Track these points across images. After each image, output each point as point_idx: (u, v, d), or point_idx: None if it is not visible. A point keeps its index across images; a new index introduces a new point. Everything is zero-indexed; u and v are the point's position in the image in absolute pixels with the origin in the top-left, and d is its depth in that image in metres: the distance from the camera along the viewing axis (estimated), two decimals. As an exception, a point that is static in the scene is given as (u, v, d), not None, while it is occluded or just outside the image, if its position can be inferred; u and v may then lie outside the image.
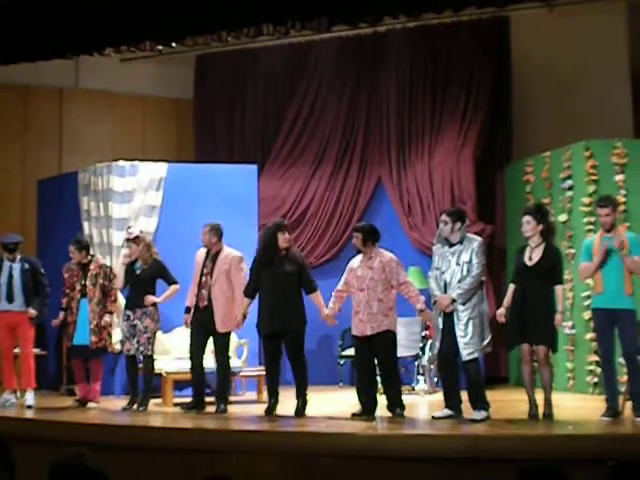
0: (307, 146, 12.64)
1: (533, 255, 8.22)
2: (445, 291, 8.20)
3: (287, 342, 8.82)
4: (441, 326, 8.22)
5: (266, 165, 12.66)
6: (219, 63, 13.34)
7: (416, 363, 11.01)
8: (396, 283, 8.55)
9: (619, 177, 10.50)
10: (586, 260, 8.23)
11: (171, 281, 9.50)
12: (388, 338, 8.56)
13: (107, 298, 9.72)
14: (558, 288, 8.24)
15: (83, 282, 9.72)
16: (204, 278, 9.22)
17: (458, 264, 8.19)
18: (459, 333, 8.08)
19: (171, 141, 13.82)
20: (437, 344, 8.27)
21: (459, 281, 8.13)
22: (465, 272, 8.16)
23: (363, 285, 8.56)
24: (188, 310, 9.29)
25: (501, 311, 8.31)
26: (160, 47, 11.96)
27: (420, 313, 8.66)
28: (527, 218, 8.30)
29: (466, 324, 8.11)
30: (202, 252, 9.36)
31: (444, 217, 8.32)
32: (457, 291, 8.12)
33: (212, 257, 9.26)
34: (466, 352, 8.08)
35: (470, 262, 8.18)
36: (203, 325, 9.17)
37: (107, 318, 9.63)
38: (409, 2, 8.62)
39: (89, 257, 9.88)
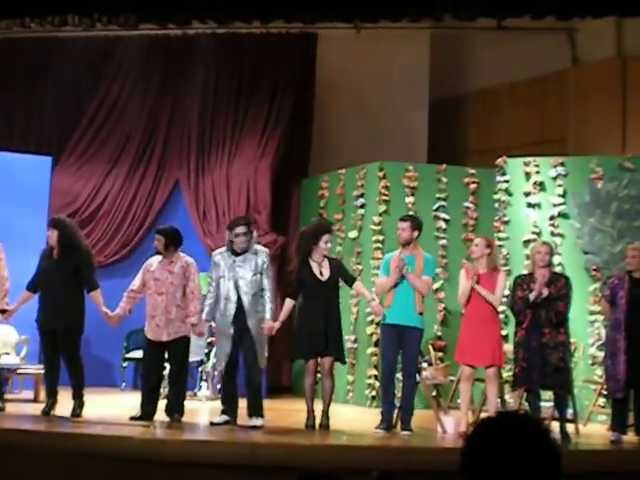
0: (105, 143, 12.38)
1: (323, 270, 8.40)
2: (239, 299, 8.22)
3: (61, 340, 8.61)
4: (232, 333, 8.24)
5: (62, 158, 12.31)
6: (21, 49, 12.83)
7: (200, 369, 10.98)
8: (189, 290, 8.53)
9: (409, 199, 10.88)
10: (385, 274, 8.48)
11: None
12: (183, 344, 8.54)
13: None
14: (358, 284, 8.58)
15: None
16: None
17: (246, 274, 8.26)
18: (256, 341, 8.18)
19: (-37, 125, 13.19)
20: (227, 350, 8.27)
21: (250, 293, 8.21)
22: (257, 282, 8.24)
23: (162, 289, 8.47)
24: None
25: (276, 325, 8.41)
26: (-42, 27, 11.44)
27: (192, 327, 8.56)
28: (330, 237, 8.51)
29: (258, 335, 8.21)
30: None
31: (243, 229, 8.33)
32: (268, 314, 8.24)
33: None
34: (261, 361, 8.24)
35: (261, 273, 8.27)
36: None
37: None
38: (217, 9, 8.63)
39: None
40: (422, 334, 8.45)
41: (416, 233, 8.45)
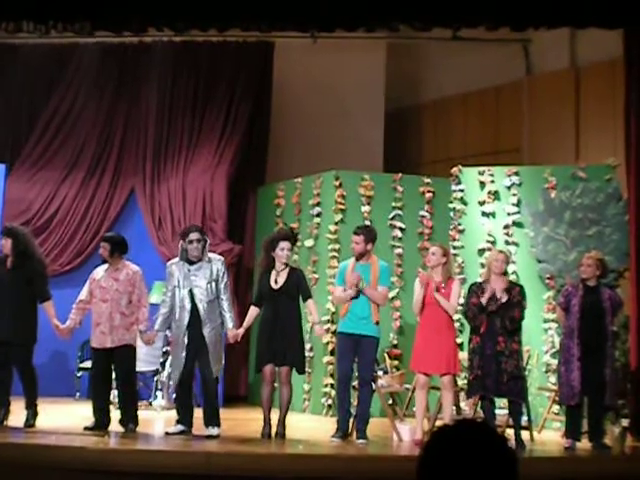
0: (60, 150, 12.26)
1: (279, 279, 8.41)
2: (194, 308, 8.20)
3: (14, 350, 8.52)
4: (187, 342, 8.22)
5: (16, 165, 12.18)
6: (-26, 56, 12.72)
7: (155, 378, 10.91)
8: (135, 298, 8.48)
9: (365, 208, 10.92)
10: (340, 283, 8.50)
11: None
12: (128, 352, 8.48)
13: None
14: (310, 302, 8.48)
15: None
16: None
17: (201, 282, 8.24)
18: (211, 350, 8.15)
19: None
20: (182, 360, 8.24)
21: (205, 300, 8.20)
22: (213, 290, 8.23)
23: (107, 296, 8.43)
24: None
25: (240, 331, 8.43)
26: None
27: (140, 334, 8.55)
28: (288, 245, 8.50)
29: (214, 344, 8.20)
30: None
31: (197, 235, 8.33)
32: (229, 323, 8.27)
33: None
34: (214, 370, 8.19)
35: (216, 281, 8.27)
36: None
37: None
38: (174, 17, 8.59)
39: None
40: (378, 343, 8.48)
41: (370, 245, 8.47)
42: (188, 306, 8.24)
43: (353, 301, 8.35)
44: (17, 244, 8.60)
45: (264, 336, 8.36)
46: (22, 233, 8.80)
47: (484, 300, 8.17)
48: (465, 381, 8.86)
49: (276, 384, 8.62)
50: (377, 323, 8.36)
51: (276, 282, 8.41)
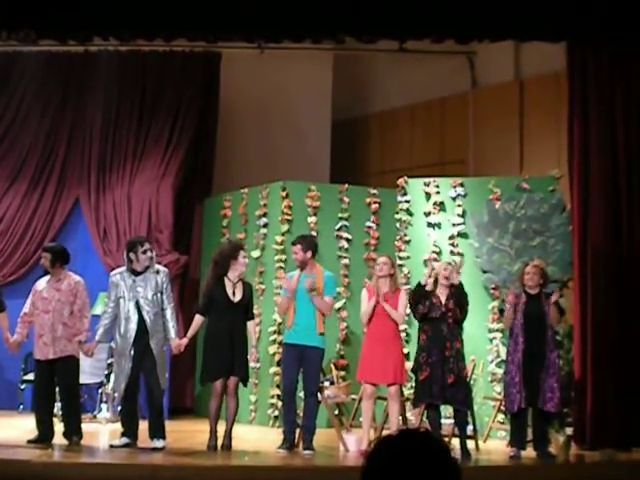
0: (3, 159, 12.05)
1: (236, 291, 8.38)
2: (141, 319, 8.14)
3: None
4: (133, 354, 8.15)
5: (-42, 176, 11.99)
6: None
7: (100, 391, 10.80)
8: (77, 308, 8.39)
9: (312, 219, 10.93)
10: (285, 294, 8.52)
11: None
12: (71, 364, 8.39)
13: None
14: (251, 323, 8.48)
15: None
16: None
17: (147, 293, 8.19)
18: (158, 361, 8.11)
19: None
20: (127, 372, 8.16)
21: (152, 312, 8.15)
22: (158, 302, 8.18)
23: (49, 307, 8.34)
24: None
25: (184, 341, 8.38)
26: None
27: (79, 344, 8.44)
28: (245, 254, 8.52)
29: (160, 355, 8.16)
30: None
31: (150, 246, 8.31)
32: (172, 332, 8.22)
33: None
34: (162, 381, 8.15)
35: (161, 292, 8.22)
36: None
37: None
38: (120, 25, 8.54)
39: None
40: (323, 354, 8.49)
41: (309, 253, 8.48)
42: (134, 318, 8.17)
43: (298, 312, 8.35)
44: None
45: (217, 348, 8.27)
46: None
47: (428, 286, 8.26)
48: (412, 391, 8.87)
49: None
50: (322, 334, 8.38)
51: (234, 294, 8.38)
